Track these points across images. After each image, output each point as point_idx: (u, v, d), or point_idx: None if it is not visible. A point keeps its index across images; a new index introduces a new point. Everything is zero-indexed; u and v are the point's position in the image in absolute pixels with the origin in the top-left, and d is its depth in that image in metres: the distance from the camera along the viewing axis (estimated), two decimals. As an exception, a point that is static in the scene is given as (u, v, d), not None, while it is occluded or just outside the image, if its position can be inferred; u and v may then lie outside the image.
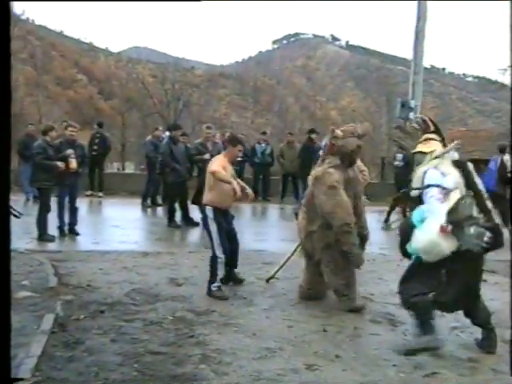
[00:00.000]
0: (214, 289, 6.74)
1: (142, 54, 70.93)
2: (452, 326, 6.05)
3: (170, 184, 12.22)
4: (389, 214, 13.36)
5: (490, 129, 37.58)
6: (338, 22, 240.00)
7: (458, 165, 5.19)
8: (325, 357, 5.00)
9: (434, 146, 5.37)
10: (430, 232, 4.87)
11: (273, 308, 6.46)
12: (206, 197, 6.90)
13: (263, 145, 17.61)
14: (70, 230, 10.46)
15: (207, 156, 11.09)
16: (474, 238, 4.78)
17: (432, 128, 5.61)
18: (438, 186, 5.01)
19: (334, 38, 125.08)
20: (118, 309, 6.09)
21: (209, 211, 6.83)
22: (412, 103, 17.50)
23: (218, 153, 12.33)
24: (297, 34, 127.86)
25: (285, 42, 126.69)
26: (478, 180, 5.22)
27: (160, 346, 5.03)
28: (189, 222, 12.00)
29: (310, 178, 6.73)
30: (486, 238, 4.80)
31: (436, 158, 5.23)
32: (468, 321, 6.04)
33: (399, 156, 13.78)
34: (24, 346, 4.66)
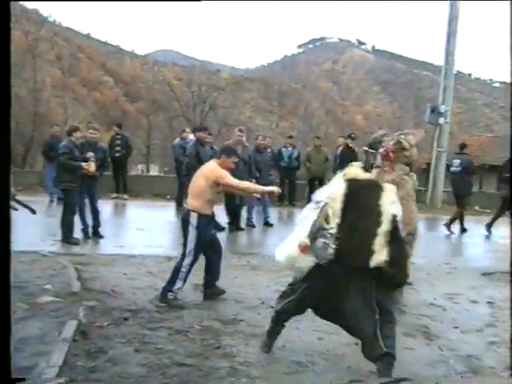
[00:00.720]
0: (170, 297, 6.47)
1: (168, 56, 71.52)
2: (489, 340, 5.79)
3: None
4: (454, 222, 13.63)
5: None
6: (363, 26, 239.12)
7: (346, 180, 4.63)
8: (358, 372, 4.75)
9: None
10: (290, 247, 4.72)
11: (301, 318, 6.21)
12: (194, 203, 6.52)
13: (290, 149, 17.42)
14: (93, 233, 10.35)
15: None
16: (319, 251, 4.52)
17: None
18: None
19: (360, 42, 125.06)
20: (142, 316, 5.89)
21: (193, 218, 6.51)
22: (442, 108, 17.18)
23: (249, 158, 12.26)
24: (322, 38, 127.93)
25: (310, 46, 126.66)
26: (386, 206, 4.51)
27: (186, 357, 4.80)
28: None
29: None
30: (330, 250, 4.47)
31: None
32: (507, 335, 5.75)
33: (456, 162, 13.40)
34: (45, 355, 4.47)
